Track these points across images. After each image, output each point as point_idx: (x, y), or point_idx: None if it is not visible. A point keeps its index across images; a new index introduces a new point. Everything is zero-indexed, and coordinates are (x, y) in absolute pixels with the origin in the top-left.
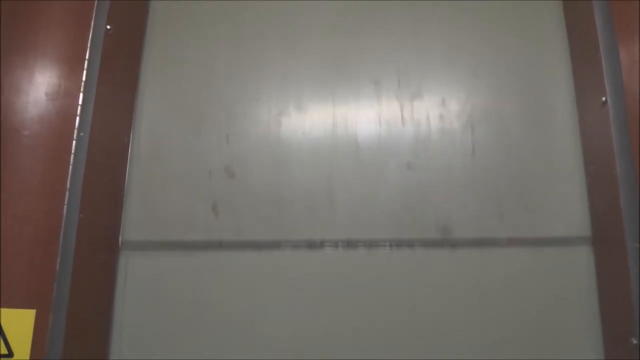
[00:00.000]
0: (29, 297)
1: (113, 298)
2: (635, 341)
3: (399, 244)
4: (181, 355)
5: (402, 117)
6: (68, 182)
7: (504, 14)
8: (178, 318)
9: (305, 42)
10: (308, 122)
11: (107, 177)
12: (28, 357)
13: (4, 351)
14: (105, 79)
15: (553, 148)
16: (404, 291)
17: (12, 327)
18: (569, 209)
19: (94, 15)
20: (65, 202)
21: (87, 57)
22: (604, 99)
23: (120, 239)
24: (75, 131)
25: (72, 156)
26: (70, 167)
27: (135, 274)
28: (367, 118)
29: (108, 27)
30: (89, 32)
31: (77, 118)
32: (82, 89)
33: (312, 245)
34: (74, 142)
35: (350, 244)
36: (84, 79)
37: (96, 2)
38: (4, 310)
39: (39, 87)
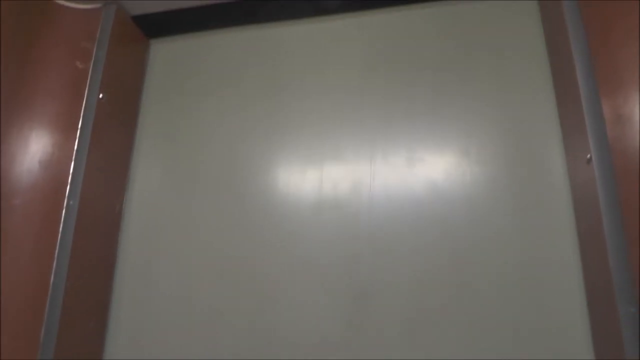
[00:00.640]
0: None
1: None
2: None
3: None
4: None
5: None
6: (56, 250)
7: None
8: None
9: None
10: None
11: (97, 245)
12: None
13: None
14: (97, 147)
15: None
16: None
17: None
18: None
19: (87, 84)
20: (53, 270)
21: (79, 125)
22: (588, 156)
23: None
24: (65, 199)
25: (61, 224)
26: (59, 235)
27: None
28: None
29: (100, 95)
30: (83, 100)
31: (68, 186)
32: (73, 157)
33: None
34: (64, 210)
35: None
36: (75, 147)
37: (90, 71)
38: None
39: (34, 155)
